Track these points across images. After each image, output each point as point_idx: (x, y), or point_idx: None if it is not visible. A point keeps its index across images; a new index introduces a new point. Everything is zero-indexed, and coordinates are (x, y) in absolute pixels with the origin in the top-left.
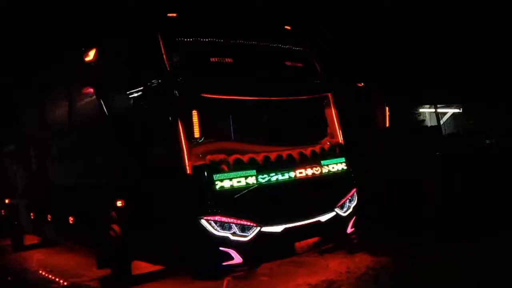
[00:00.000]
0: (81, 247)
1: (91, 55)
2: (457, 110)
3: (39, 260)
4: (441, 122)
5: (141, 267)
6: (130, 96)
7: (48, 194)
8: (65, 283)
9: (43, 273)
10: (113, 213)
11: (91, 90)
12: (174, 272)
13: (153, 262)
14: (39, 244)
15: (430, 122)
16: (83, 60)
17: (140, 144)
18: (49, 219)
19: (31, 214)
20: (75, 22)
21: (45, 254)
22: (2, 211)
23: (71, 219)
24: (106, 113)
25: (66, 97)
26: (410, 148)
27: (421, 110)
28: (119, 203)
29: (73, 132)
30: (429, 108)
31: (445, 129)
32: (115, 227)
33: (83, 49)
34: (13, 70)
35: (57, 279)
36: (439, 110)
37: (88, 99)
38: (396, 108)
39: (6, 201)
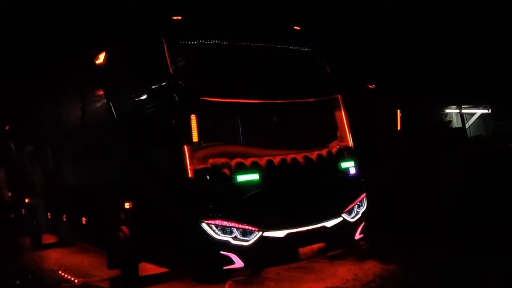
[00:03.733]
0: (93, 247)
1: (101, 58)
2: (485, 111)
3: (55, 259)
4: (468, 123)
5: (150, 268)
6: (136, 99)
7: (63, 195)
8: (78, 283)
9: (58, 272)
10: (122, 215)
11: (101, 92)
12: (181, 274)
13: (158, 264)
14: (56, 244)
15: (457, 123)
16: (94, 63)
17: (145, 147)
18: (64, 219)
19: (48, 214)
20: (82, 24)
21: (61, 254)
22: (23, 210)
23: (84, 219)
24: (115, 115)
25: (79, 99)
26: (428, 151)
27: (447, 111)
28: (127, 205)
29: (85, 134)
30: (456, 108)
31: (470, 131)
32: (124, 229)
33: (94, 51)
34: (21, 71)
35: (70, 278)
36: (466, 111)
37: (98, 101)
38: (414, 109)
39: (26, 200)
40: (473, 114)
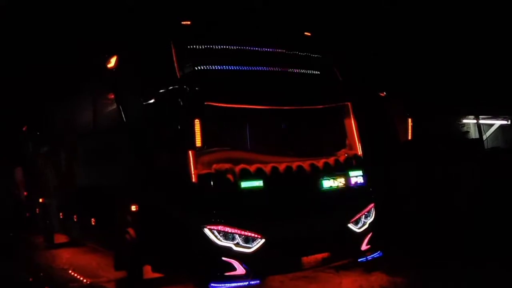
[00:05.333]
0: (102, 248)
1: (112, 62)
2: (504, 122)
3: (66, 259)
4: (485, 134)
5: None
6: (144, 103)
7: (74, 195)
8: (86, 283)
9: (68, 271)
10: (129, 217)
11: (112, 95)
12: (183, 279)
13: (160, 266)
14: (67, 243)
15: (475, 134)
16: (105, 66)
17: (151, 150)
18: (75, 220)
19: (60, 214)
20: (93, 29)
21: (71, 253)
22: (37, 209)
23: (93, 220)
24: (124, 118)
25: (90, 101)
26: (440, 162)
27: (465, 121)
28: (133, 208)
29: (95, 136)
30: (474, 119)
31: (487, 142)
32: (130, 231)
33: (106, 55)
34: (37, 73)
35: (79, 278)
36: (484, 122)
37: (109, 104)
38: (428, 118)
39: (40, 200)
40: (491, 125)
